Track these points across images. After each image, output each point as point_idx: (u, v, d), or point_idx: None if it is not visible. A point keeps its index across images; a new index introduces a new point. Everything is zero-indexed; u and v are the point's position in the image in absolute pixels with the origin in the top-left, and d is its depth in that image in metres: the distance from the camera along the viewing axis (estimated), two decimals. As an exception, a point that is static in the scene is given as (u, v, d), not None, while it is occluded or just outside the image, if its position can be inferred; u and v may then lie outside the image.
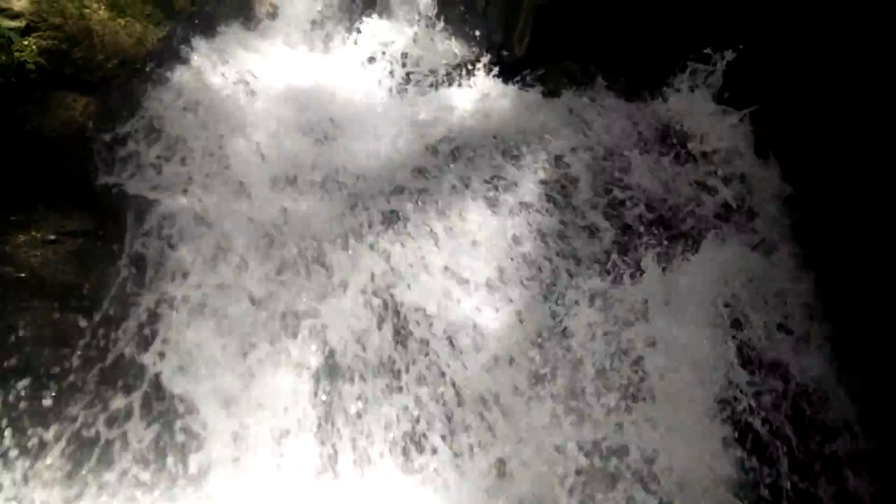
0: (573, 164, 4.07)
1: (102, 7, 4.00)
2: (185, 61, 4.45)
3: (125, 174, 3.81)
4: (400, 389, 3.48)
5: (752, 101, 3.82)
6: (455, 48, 5.34)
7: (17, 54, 3.51)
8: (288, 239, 3.96)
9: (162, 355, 3.51)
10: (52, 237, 3.61)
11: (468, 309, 3.60)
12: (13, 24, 3.50)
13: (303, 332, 3.65)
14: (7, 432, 3.34)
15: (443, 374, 3.46)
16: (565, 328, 3.49)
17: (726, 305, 3.28)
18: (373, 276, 3.69)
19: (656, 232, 3.68)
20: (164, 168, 4.03)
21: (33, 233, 3.58)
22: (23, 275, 3.53)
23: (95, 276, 3.64)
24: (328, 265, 3.80)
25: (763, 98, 3.66)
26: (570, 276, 3.69)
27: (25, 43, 3.55)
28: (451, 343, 3.48)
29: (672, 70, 4.26)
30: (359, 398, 3.47)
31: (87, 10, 3.89)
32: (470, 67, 5.18)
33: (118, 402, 3.44)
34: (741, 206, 3.64)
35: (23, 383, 3.40)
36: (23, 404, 3.37)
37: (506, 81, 4.96)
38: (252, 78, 4.75)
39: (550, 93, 4.69)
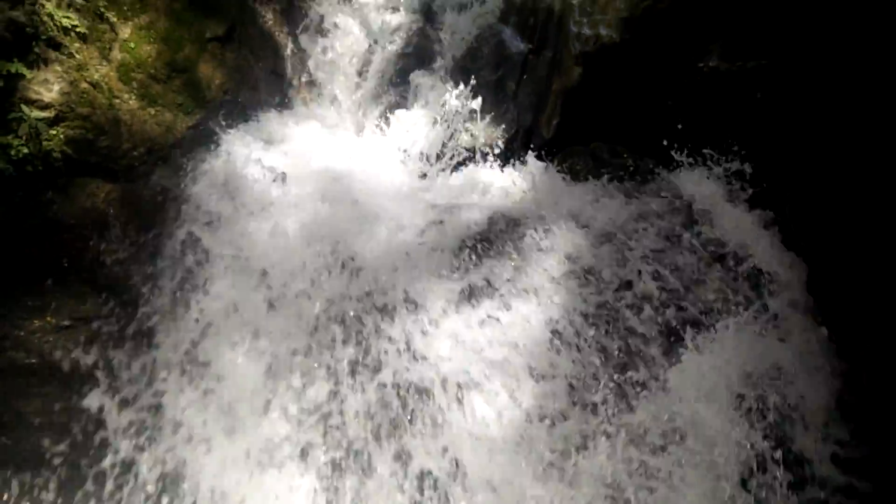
0: (595, 254, 3.92)
1: (133, 97, 4.11)
2: (213, 148, 4.51)
3: (143, 259, 3.83)
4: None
5: (773, 189, 3.66)
6: (485, 131, 5.33)
7: (44, 143, 3.60)
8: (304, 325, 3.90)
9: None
10: (67, 323, 3.63)
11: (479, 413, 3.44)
12: (42, 114, 3.61)
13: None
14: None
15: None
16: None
17: (741, 396, 3.05)
18: (381, 364, 3.56)
19: (676, 321, 3.48)
20: (186, 257, 4.07)
21: (48, 318, 3.60)
22: (34, 361, 3.54)
23: (106, 362, 3.61)
24: (339, 356, 3.70)
25: (783, 187, 3.49)
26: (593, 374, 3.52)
27: (53, 132, 3.64)
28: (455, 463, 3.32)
29: (695, 155, 4.13)
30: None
31: (117, 101, 4.00)
32: (499, 150, 5.17)
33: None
34: (759, 294, 3.43)
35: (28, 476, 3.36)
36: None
37: (534, 163, 4.91)
38: (281, 164, 4.79)
39: (577, 175, 4.60)
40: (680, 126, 4.29)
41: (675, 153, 4.24)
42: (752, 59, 4.02)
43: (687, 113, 4.34)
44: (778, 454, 2.96)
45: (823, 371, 3.16)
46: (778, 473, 2.94)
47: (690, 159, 4.18)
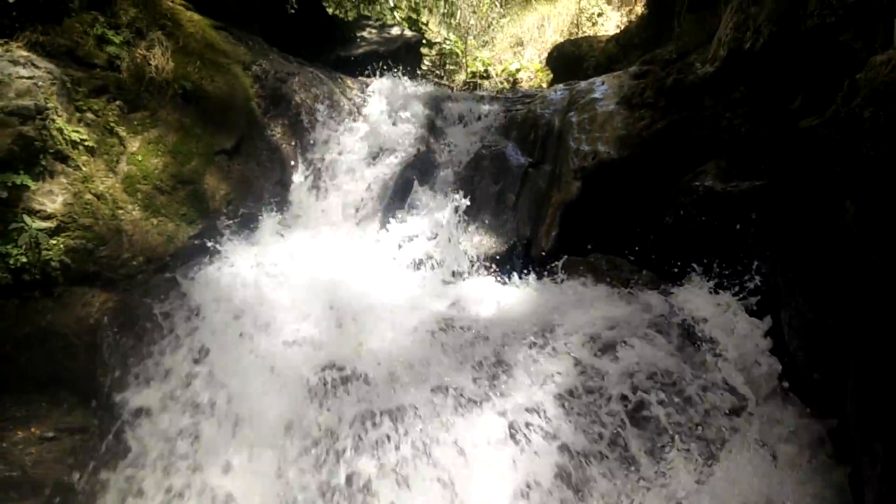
0: (595, 369, 3.86)
1: (137, 208, 4.21)
2: (214, 257, 4.56)
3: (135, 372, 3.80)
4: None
5: (775, 303, 3.63)
6: (484, 241, 5.38)
7: (43, 253, 3.67)
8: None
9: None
10: (51, 434, 3.57)
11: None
12: (44, 224, 3.69)
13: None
14: None
15: None
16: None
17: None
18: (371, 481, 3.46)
19: (680, 436, 3.38)
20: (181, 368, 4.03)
21: (33, 429, 3.55)
22: (15, 474, 3.46)
23: (87, 474, 3.53)
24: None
25: (786, 299, 3.47)
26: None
27: (53, 242, 3.71)
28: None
29: (693, 269, 4.13)
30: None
31: (120, 211, 4.09)
32: (498, 260, 5.19)
33: None
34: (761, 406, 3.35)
35: None
36: None
37: (532, 274, 4.92)
38: (280, 270, 4.82)
39: (575, 287, 4.58)
40: (677, 241, 4.32)
41: (673, 267, 4.23)
42: (746, 180, 4.07)
43: (684, 228, 4.38)
44: None
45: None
46: None
47: (689, 273, 4.16)
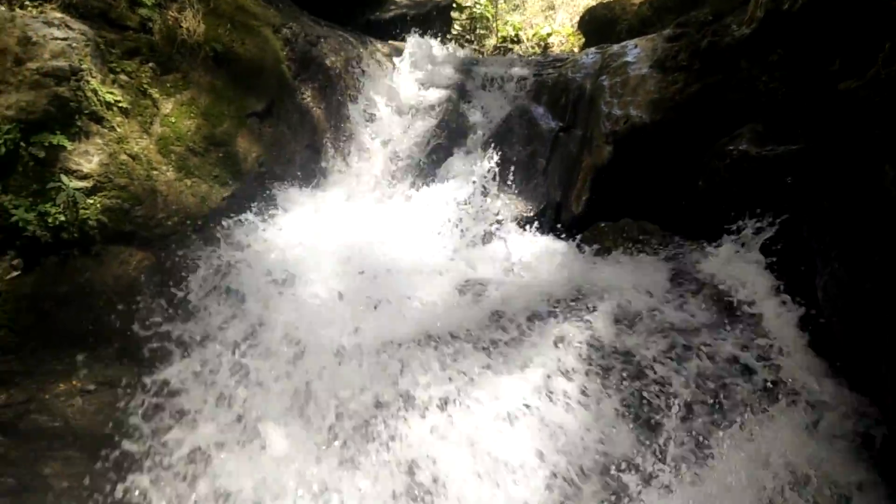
0: (621, 333, 3.85)
1: (171, 169, 4.26)
2: (246, 219, 4.61)
3: (175, 325, 3.88)
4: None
5: (804, 268, 3.58)
6: (514, 206, 5.37)
7: (81, 212, 3.73)
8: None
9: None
10: (91, 387, 3.68)
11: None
12: (81, 184, 3.75)
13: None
14: None
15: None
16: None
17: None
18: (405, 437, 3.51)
19: (702, 408, 3.36)
20: (215, 320, 4.11)
21: (74, 382, 3.66)
22: (58, 424, 3.58)
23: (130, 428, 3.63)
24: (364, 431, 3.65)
25: (822, 265, 3.41)
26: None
27: (90, 202, 3.78)
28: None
29: (726, 230, 4.08)
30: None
31: (154, 172, 4.14)
32: (528, 224, 5.19)
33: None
34: (787, 382, 3.31)
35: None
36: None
37: (562, 238, 4.91)
38: (312, 235, 4.87)
39: (605, 250, 4.57)
40: (710, 206, 4.27)
41: (706, 231, 4.19)
42: (782, 144, 3.99)
43: (717, 193, 4.32)
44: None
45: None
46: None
47: (721, 239, 4.11)
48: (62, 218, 3.63)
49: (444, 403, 3.64)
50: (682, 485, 3.15)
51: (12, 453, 3.61)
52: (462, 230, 5.27)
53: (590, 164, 5.11)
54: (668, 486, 3.17)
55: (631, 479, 3.24)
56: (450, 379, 3.74)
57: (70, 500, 3.64)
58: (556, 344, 3.93)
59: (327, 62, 5.75)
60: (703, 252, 4.19)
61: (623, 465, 3.28)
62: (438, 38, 7.13)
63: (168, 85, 4.35)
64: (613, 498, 3.23)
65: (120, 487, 3.58)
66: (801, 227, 3.65)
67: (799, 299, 3.59)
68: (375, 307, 4.28)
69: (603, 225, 4.81)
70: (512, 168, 5.49)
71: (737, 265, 3.97)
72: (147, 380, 3.74)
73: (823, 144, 3.61)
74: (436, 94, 6.06)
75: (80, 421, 3.63)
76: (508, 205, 5.44)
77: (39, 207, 3.58)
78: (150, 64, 4.29)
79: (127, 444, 3.65)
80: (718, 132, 4.42)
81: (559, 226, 5.09)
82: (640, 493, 3.19)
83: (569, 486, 3.29)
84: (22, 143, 3.58)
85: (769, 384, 3.35)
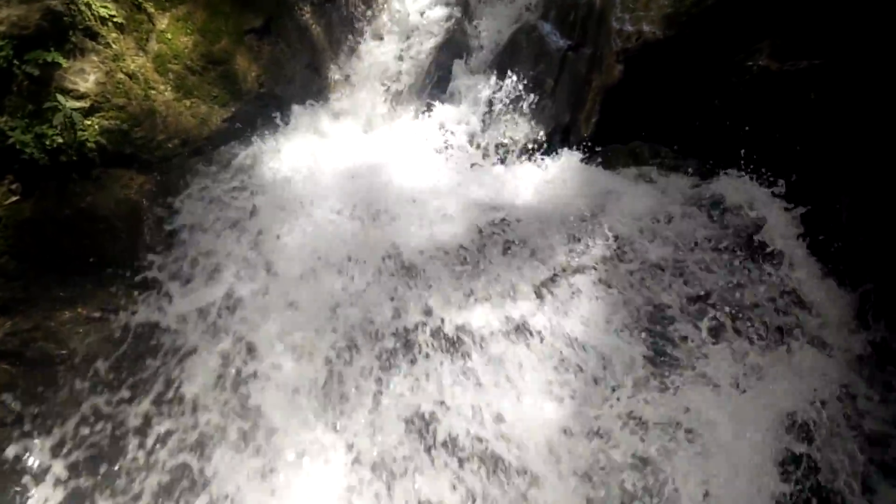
0: (631, 256, 3.80)
1: (169, 89, 4.09)
2: (247, 141, 4.48)
3: (175, 253, 3.80)
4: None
5: (818, 195, 3.51)
6: (522, 127, 5.22)
7: (79, 133, 3.59)
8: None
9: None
10: (97, 314, 3.61)
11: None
12: (78, 104, 3.59)
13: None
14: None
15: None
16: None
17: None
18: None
19: (718, 334, 3.36)
20: (219, 245, 4.02)
21: (79, 310, 3.59)
22: (64, 352, 3.52)
23: (133, 360, 3.58)
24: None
25: (829, 193, 3.34)
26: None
27: (88, 123, 3.63)
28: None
29: (738, 155, 3.98)
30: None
31: (152, 92, 3.98)
32: (536, 146, 5.06)
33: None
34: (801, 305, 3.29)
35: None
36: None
37: (571, 161, 4.79)
38: (315, 157, 4.74)
39: (617, 174, 4.47)
40: (726, 126, 4.15)
41: (720, 154, 4.09)
42: (805, 59, 3.85)
43: (734, 113, 4.19)
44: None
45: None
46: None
47: (736, 160, 4.01)
48: (60, 140, 3.49)
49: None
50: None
51: (19, 382, 3.56)
52: (468, 153, 5.15)
53: (599, 85, 4.94)
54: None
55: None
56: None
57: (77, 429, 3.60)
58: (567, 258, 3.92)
59: (325, -23, 5.49)
60: (718, 175, 4.09)
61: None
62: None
63: (163, -1, 4.14)
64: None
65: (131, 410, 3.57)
66: (823, 147, 3.54)
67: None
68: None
69: (613, 147, 4.69)
70: (519, 88, 5.31)
71: (752, 189, 3.89)
72: (151, 305, 3.68)
73: (849, 59, 3.49)
74: (439, 11, 5.81)
75: (86, 350, 3.57)
76: (516, 127, 5.29)
77: (36, 129, 3.44)
78: (143, -25, 4.07)
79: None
80: (737, 48, 4.25)
81: (568, 148, 4.95)
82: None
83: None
84: (15, 62, 3.40)
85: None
